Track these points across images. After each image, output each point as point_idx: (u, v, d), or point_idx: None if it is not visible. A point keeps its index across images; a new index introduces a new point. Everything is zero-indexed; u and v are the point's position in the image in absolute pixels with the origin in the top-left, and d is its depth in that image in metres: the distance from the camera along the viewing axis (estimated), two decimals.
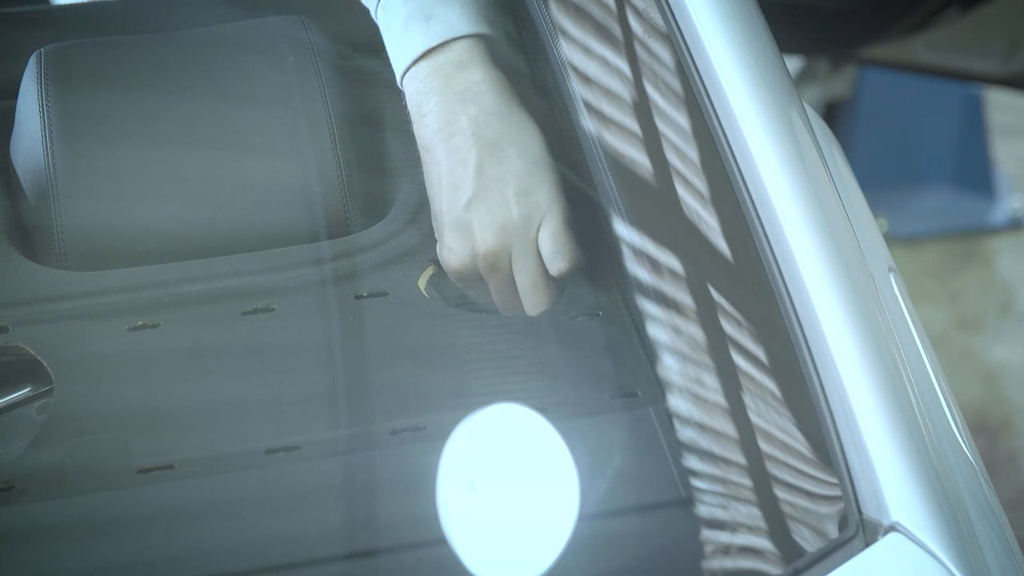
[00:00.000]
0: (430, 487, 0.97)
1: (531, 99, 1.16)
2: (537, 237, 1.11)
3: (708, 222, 1.04)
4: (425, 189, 1.17)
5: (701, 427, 1.00)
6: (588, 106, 1.12)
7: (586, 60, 1.14)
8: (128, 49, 1.22)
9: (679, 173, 1.06)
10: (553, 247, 1.10)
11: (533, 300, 1.11)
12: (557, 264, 1.10)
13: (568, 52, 1.14)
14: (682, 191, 1.06)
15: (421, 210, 1.16)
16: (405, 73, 1.14)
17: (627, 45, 1.12)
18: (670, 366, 1.03)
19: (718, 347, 1.01)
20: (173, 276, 1.09)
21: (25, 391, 1.07)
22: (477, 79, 1.12)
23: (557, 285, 1.12)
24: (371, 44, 1.26)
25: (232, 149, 1.17)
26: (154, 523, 0.96)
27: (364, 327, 1.09)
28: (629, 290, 1.09)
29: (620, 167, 1.10)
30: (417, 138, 1.14)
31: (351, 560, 0.96)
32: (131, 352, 1.05)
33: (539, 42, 1.17)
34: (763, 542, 0.94)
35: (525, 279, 1.11)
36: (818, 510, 0.92)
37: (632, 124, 1.10)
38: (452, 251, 1.12)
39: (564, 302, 1.12)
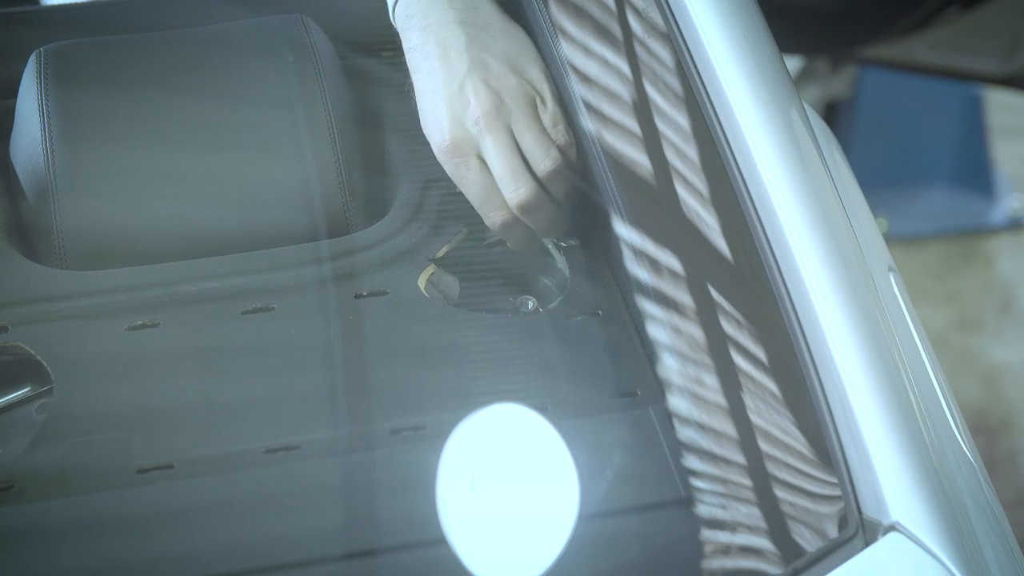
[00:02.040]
0: (430, 487, 0.97)
1: None
2: (535, 104, 1.12)
3: (708, 222, 1.04)
4: (424, 187, 1.18)
5: (701, 427, 1.00)
6: (588, 106, 1.12)
7: (586, 60, 1.14)
8: (128, 49, 1.22)
9: (679, 173, 1.06)
10: (551, 119, 1.12)
11: (539, 155, 1.11)
12: (559, 133, 1.12)
13: (568, 52, 1.14)
14: (682, 191, 1.06)
15: (421, 209, 1.16)
16: (396, 3, 1.17)
17: (627, 45, 1.12)
18: (670, 366, 1.03)
19: (718, 347, 1.01)
20: (173, 276, 1.09)
21: (25, 391, 1.07)
22: None
23: (558, 152, 1.12)
24: (371, 44, 1.26)
25: (232, 149, 1.17)
26: (154, 523, 0.96)
27: (364, 326, 1.09)
28: (629, 290, 1.09)
29: (620, 167, 1.10)
30: (406, 50, 1.16)
31: (351, 560, 0.96)
32: (131, 352, 1.05)
33: (539, 42, 1.17)
34: (763, 542, 0.94)
35: (529, 138, 1.11)
36: (818, 510, 0.92)
37: (632, 124, 1.10)
38: (449, 122, 1.11)
39: (564, 302, 1.12)
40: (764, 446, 0.96)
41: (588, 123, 1.12)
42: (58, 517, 0.96)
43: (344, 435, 1.03)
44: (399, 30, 1.17)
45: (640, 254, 1.08)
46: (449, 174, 1.14)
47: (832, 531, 0.90)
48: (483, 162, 1.12)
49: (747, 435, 0.97)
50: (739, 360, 0.99)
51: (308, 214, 1.15)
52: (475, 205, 1.14)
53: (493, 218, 1.13)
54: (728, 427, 0.98)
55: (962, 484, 0.92)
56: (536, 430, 1.02)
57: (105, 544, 0.95)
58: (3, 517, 0.96)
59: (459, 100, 1.12)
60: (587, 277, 1.13)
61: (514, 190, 1.11)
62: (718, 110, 1.02)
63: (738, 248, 1.01)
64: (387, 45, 1.23)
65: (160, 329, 1.06)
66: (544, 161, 1.11)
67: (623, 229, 1.09)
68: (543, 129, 1.12)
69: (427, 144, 1.16)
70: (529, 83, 1.13)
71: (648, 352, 1.06)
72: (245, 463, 1.00)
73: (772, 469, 0.95)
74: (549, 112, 1.13)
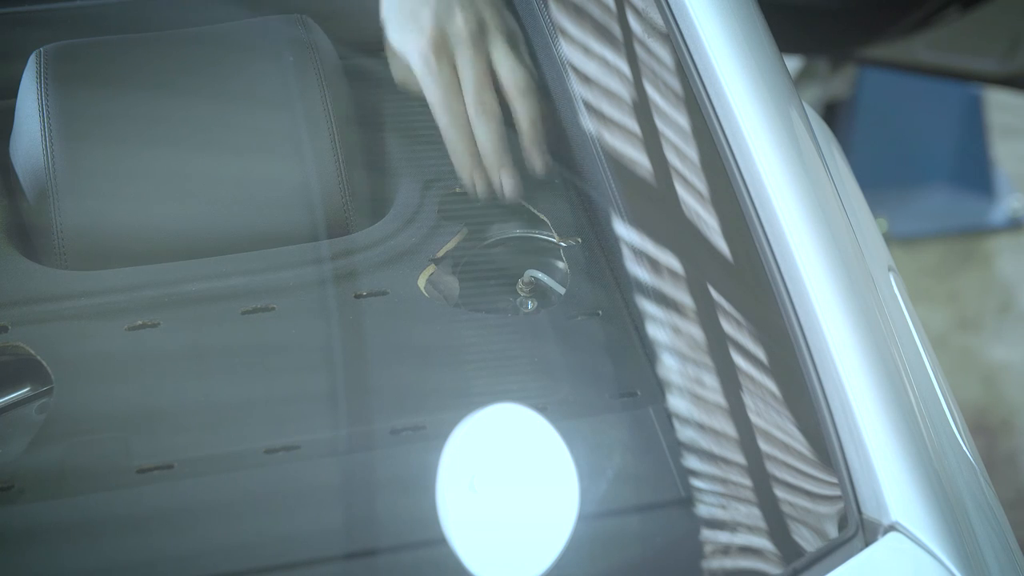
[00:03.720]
0: (430, 487, 0.97)
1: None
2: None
3: (708, 222, 1.04)
4: (424, 187, 1.18)
5: (701, 427, 1.00)
6: (588, 106, 1.12)
7: (586, 60, 1.14)
8: (128, 49, 1.22)
9: (679, 173, 1.06)
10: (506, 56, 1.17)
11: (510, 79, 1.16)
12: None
13: (568, 52, 1.14)
14: (682, 191, 1.06)
15: (421, 209, 1.16)
16: None
17: (627, 45, 1.12)
18: (670, 366, 1.03)
19: (718, 347, 1.01)
20: (173, 276, 1.10)
21: (25, 391, 1.07)
22: None
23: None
24: (371, 44, 1.26)
25: (232, 149, 1.17)
26: (154, 523, 0.96)
27: (364, 326, 1.09)
28: (629, 290, 1.09)
29: (620, 167, 1.10)
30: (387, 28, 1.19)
31: (351, 560, 0.96)
32: (131, 352, 1.05)
33: (539, 42, 1.17)
34: (763, 542, 0.94)
35: (506, 65, 1.17)
36: (818, 510, 0.92)
37: (632, 124, 1.10)
38: (431, 23, 1.16)
39: (564, 302, 1.12)
40: (764, 446, 0.96)
41: (588, 123, 1.12)
42: (58, 517, 0.96)
43: (344, 435, 1.03)
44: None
45: (640, 254, 1.08)
46: (418, 74, 1.17)
47: (832, 531, 0.90)
48: (454, 71, 1.16)
49: (747, 435, 0.97)
50: (739, 360, 0.99)
51: (308, 214, 1.15)
52: (434, 112, 1.17)
53: (448, 132, 1.17)
54: (728, 427, 0.98)
55: (962, 484, 0.92)
56: (536, 430, 1.02)
57: (105, 544, 0.95)
58: (3, 517, 0.96)
59: (445, 10, 1.16)
60: (587, 277, 1.13)
61: (478, 102, 1.16)
62: (718, 110, 1.02)
63: (738, 248, 1.01)
64: None
65: (160, 329, 1.06)
66: (512, 84, 1.16)
67: (623, 229, 1.09)
68: (520, 56, 1.17)
69: (427, 144, 1.16)
70: (487, 18, 1.17)
71: (648, 352, 1.06)
72: (245, 463, 1.00)
73: (772, 469, 0.95)
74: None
